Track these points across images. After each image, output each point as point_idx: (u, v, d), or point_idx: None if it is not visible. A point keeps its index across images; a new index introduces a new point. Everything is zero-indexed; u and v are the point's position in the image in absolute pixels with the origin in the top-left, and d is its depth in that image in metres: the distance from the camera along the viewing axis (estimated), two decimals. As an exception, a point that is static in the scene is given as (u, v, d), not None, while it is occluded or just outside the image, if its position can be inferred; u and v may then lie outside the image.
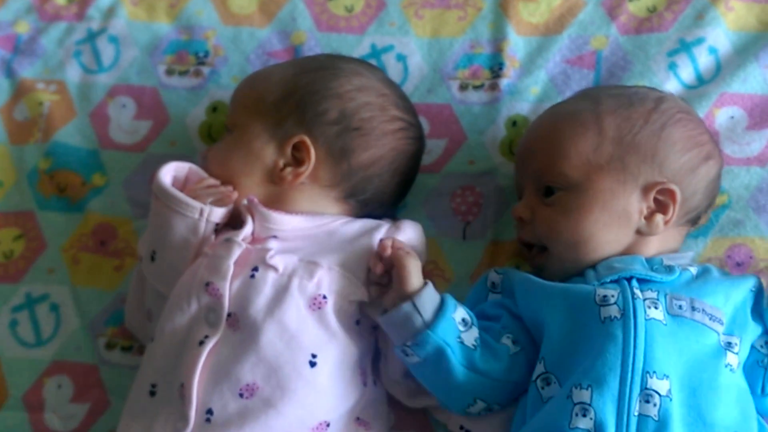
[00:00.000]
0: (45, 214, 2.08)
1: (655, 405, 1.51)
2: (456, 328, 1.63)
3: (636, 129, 1.71)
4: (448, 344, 1.62)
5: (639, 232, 1.71)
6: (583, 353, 1.57)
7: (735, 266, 1.84)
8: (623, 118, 1.72)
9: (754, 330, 1.66)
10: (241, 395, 1.62)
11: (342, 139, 1.79)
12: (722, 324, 1.61)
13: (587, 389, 1.52)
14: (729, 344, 1.61)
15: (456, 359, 1.62)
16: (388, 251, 1.67)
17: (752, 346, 1.66)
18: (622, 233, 1.70)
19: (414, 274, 1.65)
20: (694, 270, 1.70)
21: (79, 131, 2.14)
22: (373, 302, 1.73)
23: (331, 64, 1.86)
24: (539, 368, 1.63)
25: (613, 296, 1.60)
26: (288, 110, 1.80)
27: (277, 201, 1.78)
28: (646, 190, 1.70)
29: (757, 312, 1.69)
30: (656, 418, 1.50)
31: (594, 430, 1.50)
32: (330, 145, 1.79)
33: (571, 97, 1.90)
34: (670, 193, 1.70)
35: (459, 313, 1.65)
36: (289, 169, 1.78)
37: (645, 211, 1.70)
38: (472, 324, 1.66)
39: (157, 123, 2.14)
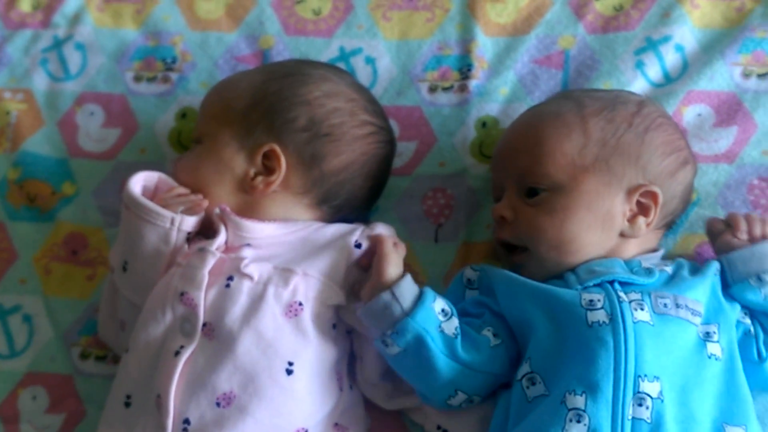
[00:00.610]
0: (15, 225, 2.07)
1: (647, 408, 1.52)
2: (436, 317, 1.64)
3: (620, 132, 1.72)
4: (428, 332, 1.62)
5: (622, 235, 1.72)
6: (573, 358, 1.57)
7: (704, 263, 1.85)
8: (607, 121, 1.73)
9: (731, 311, 1.68)
10: (218, 404, 1.62)
11: (312, 145, 1.79)
12: (700, 316, 1.63)
13: (581, 395, 1.53)
14: (707, 334, 1.62)
15: (437, 347, 1.63)
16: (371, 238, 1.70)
17: (737, 322, 1.69)
18: (605, 235, 1.71)
19: (393, 263, 1.67)
20: (669, 269, 1.71)
21: (48, 140, 2.13)
22: (349, 306, 1.74)
23: (298, 70, 1.85)
24: (525, 367, 1.63)
25: (599, 300, 1.61)
26: (257, 118, 1.79)
27: (249, 209, 1.78)
28: (629, 192, 1.71)
29: (728, 293, 1.71)
30: (649, 421, 1.51)
31: None
32: (300, 153, 1.79)
33: (551, 98, 1.90)
34: (653, 196, 1.71)
35: (438, 303, 1.66)
36: (260, 179, 1.77)
37: (628, 214, 1.71)
38: (452, 314, 1.66)
39: (126, 130, 2.13)
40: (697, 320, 1.62)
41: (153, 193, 1.79)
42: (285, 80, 1.82)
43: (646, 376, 1.53)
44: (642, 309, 1.59)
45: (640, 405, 1.51)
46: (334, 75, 1.87)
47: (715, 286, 1.70)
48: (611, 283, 1.65)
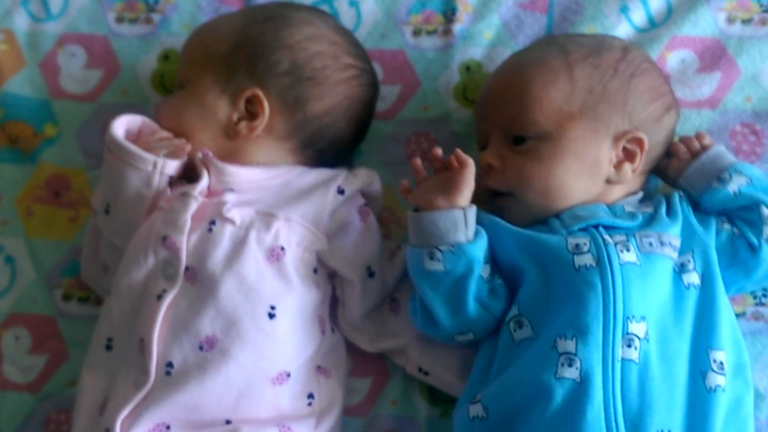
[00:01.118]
0: (-3, 166, 2.07)
1: (636, 348, 1.53)
2: (483, 256, 1.65)
3: (606, 78, 1.72)
4: (477, 265, 1.63)
5: (608, 181, 1.73)
6: (562, 303, 1.59)
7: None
8: (593, 67, 1.73)
9: (705, 235, 1.70)
10: (200, 348, 1.63)
11: (295, 89, 1.78)
12: (676, 250, 1.65)
13: (572, 339, 1.54)
14: (682, 265, 1.64)
15: (474, 284, 1.64)
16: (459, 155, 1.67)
17: (718, 231, 1.71)
18: (592, 182, 1.72)
19: (468, 190, 1.67)
20: (651, 209, 1.72)
21: (30, 81, 2.12)
22: (332, 250, 1.75)
23: (281, 14, 1.84)
24: (513, 310, 1.65)
25: (585, 244, 1.62)
26: (239, 62, 1.78)
27: (233, 154, 1.78)
28: (616, 139, 1.71)
29: (701, 212, 1.75)
30: (638, 361, 1.53)
31: (580, 378, 1.52)
32: (283, 97, 1.78)
33: (535, 43, 1.90)
34: (639, 142, 1.71)
35: (486, 246, 1.67)
36: (243, 123, 1.77)
37: (614, 160, 1.72)
38: (489, 260, 1.68)
39: (108, 72, 2.11)
40: (675, 255, 1.64)
41: (136, 137, 1.78)
42: (267, 24, 1.81)
43: (633, 317, 1.55)
44: (628, 250, 1.61)
45: (629, 346, 1.53)
46: (316, 18, 1.86)
47: (686, 215, 1.71)
48: (596, 227, 1.65)
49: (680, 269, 1.63)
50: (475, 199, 1.86)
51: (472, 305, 1.65)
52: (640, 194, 1.79)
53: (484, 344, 1.70)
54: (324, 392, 1.74)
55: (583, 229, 1.66)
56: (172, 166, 1.73)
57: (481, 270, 1.65)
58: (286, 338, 1.69)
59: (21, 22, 2.16)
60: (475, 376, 1.69)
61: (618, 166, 1.71)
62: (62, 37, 2.15)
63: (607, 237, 1.63)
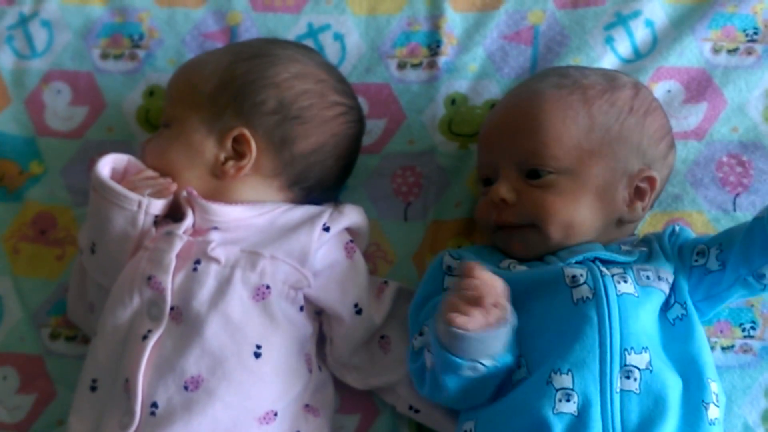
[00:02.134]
0: (-17, 205, 2.06)
1: (635, 380, 1.53)
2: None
3: (623, 116, 1.72)
4: (508, 364, 1.58)
5: (620, 220, 1.72)
6: (559, 337, 1.57)
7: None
8: (610, 104, 1.72)
9: (681, 269, 1.68)
10: (186, 388, 1.62)
11: (282, 128, 1.78)
12: (669, 285, 1.65)
13: (567, 374, 1.53)
14: (666, 303, 1.64)
15: (499, 377, 1.60)
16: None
17: (693, 268, 1.68)
18: (607, 218, 1.71)
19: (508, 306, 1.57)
20: (646, 249, 1.71)
21: (15, 119, 2.12)
22: (319, 288, 1.74)
23: (266, 51, 1.83)
24: None
25: (582, 275, 1.60)
26: (225, 101, 1.78)
27: (219, 193, 1.77)
28: (631, 177, 1.71)
29: (682, 254, 1.71)
30: (638, 392, 1.52)
31: (578, 412, 1.51)
32: (270, 136, 1.78)
33: (543, 75, 1.85)
34: (651, 181, 1.71)
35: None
36: (231, 163, 1.76)
37: (627, 199, 1.71)
38: None
39: (94, 109, 2.11)
40: (668, 290, 1.64)
41: (122, 176, 1.78)
42: (252, 62, 1.81)
43: (633, 348, 1.54)
44: (625, 282, 1.60)
45: (628, 378, 1.53)
46: (302, 55, 1.86)
47: (673, 252, 1.71)
48: (593, 260, 1.65)
49: (665, 306, 1.63)
50: (462, 232, 1.87)
51: (489, 392, 1.62)
52: (636, 236, 1.78)
53: None
54: (312, 431, 1.74)
55: (580, 262, 1.65)
56: (158, 206, 1.73)
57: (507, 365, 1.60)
58: (272, 377, 1.68)
59: (6, 60, 2.16)
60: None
61: (631, 204, 1.71)
62: (47, 74, 2.14)
63: (604, 269, 1.62)
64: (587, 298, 1.58)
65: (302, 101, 1.79)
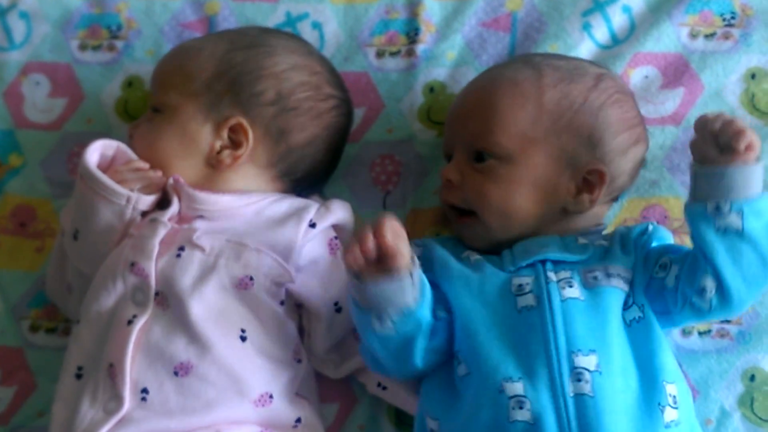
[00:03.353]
0: (-38, 197, 2.06)
1: (587, 382, 1.51)
2: (429, 309, 1.62)
3: (575, 106, 1.71)
4: (423, 324, 1.59)
5: (565, 210, 1.71)
6: (505, 345, 1.57)
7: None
8: (563, 94, 1.71)
9: (643, 273, 1.64)
10: (176, 373, 1.63)
11: (279, 120, 1.78)
12: (627, 282, 1.63)
13: (519, 381, 1.53)
14: (625, 303, 1.62)
15: (421, 341, 1.61)
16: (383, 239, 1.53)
17: (651, 278, 1.64)
18: (549, 208, 1.70)
19: (407, 250, 1.54)
20: (607, 243, 1.69)
21: (-7, 111, 2.12)
22: (300, 284, 1.74)
23: (262, 41, 1.83)
24: (455, 345, 1.64)
25: (527, 284, 1.61)
26: (222, 90, 1.78)
27: (211, 181, 1.77)
28: (577, 169, 1.70)
29: (647, 258, 1.67)
30: (592, 394, 1.51)
31: (533, 419, 1.51)
32: (267, 127, 1.78)
33: (511, 61, 1.88)
34: (599, 174, 1.70)
35: (431, 295, 1.62)
36: (226, 152, 1.76)
37: (573, 190, 1.70)
38: (431, 307, 1.63)
39: (72, 100, 2.10)
40: (627, 287, 1.62)
41: (110, 163, 1.77)
42: (250, 51, 1.81)
43: (580, 350, 1.53)
44: (571, 286, 1.59)
45: (579, 380, 1.51)
46: (297, 46, 1.86)
47: (637, 252, 1.68)
48: (544, 262, 1.64)
49: (623, 306, 1.61)
50: (440, 220, 1.87)
51: (419, 357, 1.62)
52: (601, 228, 1.77)
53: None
54: (309, 418, 1.74)
55: (531, 265, 1.64)
56: (146, 202, 1.73)
57: (427, 325, 1.61)
58: (261, 359, 1.68)
59: (-16, 52, 2.16)
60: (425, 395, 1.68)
61: (576, 196, 1.70)
62: (26, 65, 2.14)
63: (551, 274, 1.61)
64: (531, 306, 1.58)
65: (299, 93, 1.80)
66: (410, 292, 1.55)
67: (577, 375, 1.52)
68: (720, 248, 1.53)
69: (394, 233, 1.51)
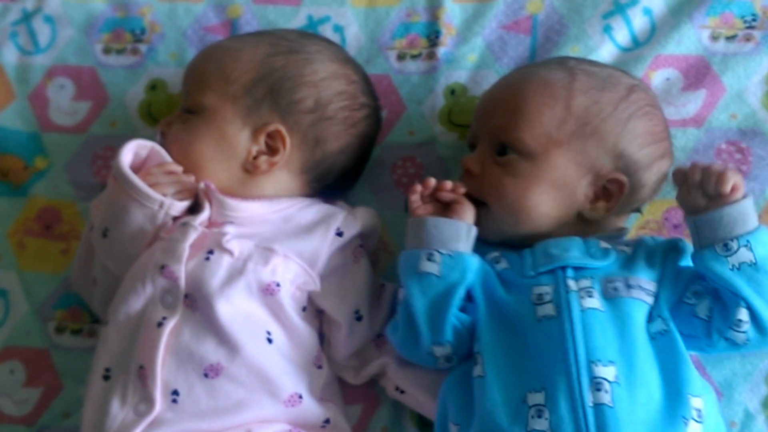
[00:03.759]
0: (-12, 200, 2.08)
1: (606, 392, 1.52)
2: (473, 274, 1.66)
3: (603, 114, 1.71)
4: (470, 276, 1.65)
5: (580, 216, 1.72)
6: (525, 354, 1.59)
7: (672, 228, 1.87)
8: (593, 101, 1.72)
9: (672, 291, 1.66)
10: (206, 375, 1.64)
11: (316, 128, 1.79)
12: (653, 296, 1.63)
13: (540, 391, 1.54)
14: (650, 315, 1.62)
15: (460, 295, 1.65)
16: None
17: (679, 302, 1.65)
18: (564, 212, 1.71)
19: (472, 210, 1.72)
20: (629, 250, 1.70)
21: (19, 114, 2.13)
22: (323, 291, 1.76)
23: (302, 47, 1.83)
24: (474, 346, 1.66)
25: (547, 293, 1.61)
26: (261, 95, 1.78)
27: (244, 186, 1.78)
28: (598, 177, 1.70)
29: (678, 278, 1.68)
30: (611, 405, 1.51)
31: (551, 429, 1.51)
32: (304, 134, 1.79)
33: (547, 61, 1.88)
34: (619, 185, 1.70)
35: (478, 268, 1.68)
36: (263, 158, 1.77)
37: (591, 196, 1.71)
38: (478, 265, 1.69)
39: (97, 103, 2.12)
40: (651, 300, 1.62)
41: (143, 163, 1.77)
42: (290, 57, 1.81)
43: (599, 360, 1.53)
44: (591, 296, 1.60)
45: (599, 390, 1.52)
46: (334, 53, 1.87)
47: (667, 267, 1.68)
48: (564, 269, 1.64)
49: (648, 318, 1.62)
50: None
51: (453, 315, 1.65)
52: (625, 231, 1.78)
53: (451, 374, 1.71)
54: (337, 419, 1.76)
55: (551, 271, 1.65)
56: (179, 208, 1.73)
57: (467, 284, 1.65)
58: (287, 361, 1.70)
59: (10, 56, 2.18)
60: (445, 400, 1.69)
61: (593, 202, 1.71)
62: (51, 69, 2.16)
63: (571, 282, 1.62)
64: (551, 316, 1.59)
65: (337, 102, 1.81)
66: (464, 241, 1.67)
67: (596, 385, 1.52)
68: (742, 282, 1.57)
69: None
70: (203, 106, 1.79)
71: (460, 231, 1.67)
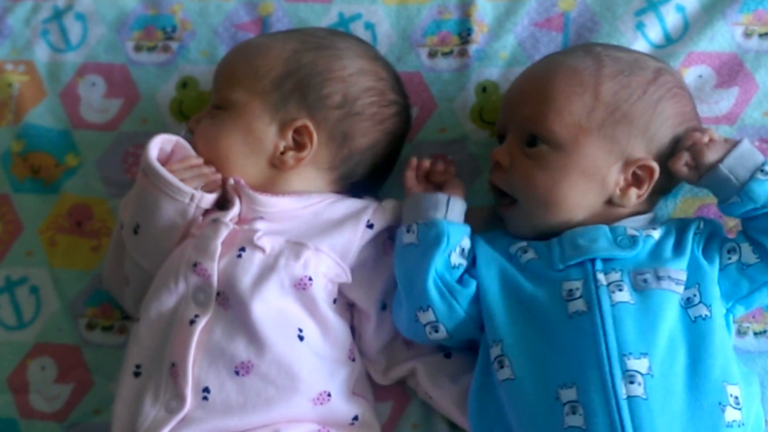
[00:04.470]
0: (20, 197, 2.08)
1: (640, 384, 1.52)
2: (456, 240, 1.68)
3: (633, 99, 1.71)
4: (447, 241, 1.67)
5: (611, 202, 1.71)
6: (557, 351, 1.58)
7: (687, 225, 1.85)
8: (622, 86, 1.71)
9: (710, 268, 1.66)
10: (237, 373, 1.64)
11: (344, 124, 1.79)
12: (683, 285, 1.63)
13: (572, 387, 1.54)
14: (688, 300, 1.62)
15: (437, 257, 1.66)
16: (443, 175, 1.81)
17: (723, 266, 1.67)
18: (595, 200, 1.71)
19: (456, 183, 1.80)
20: (657, 234, 1.70)
21: (50, 112, 2.14)
22: (353, 282, 1.76)
23: (331, 44, 1.84)
24: (496, 350, 1.64)
25: (578, 289, 1.61)
26: (289, 91, 1.78)
27: (272, 181, 1.78)
28: (627, 163, 1.70)
29: (706, 251, 1.69)
30: (645, 396, 1.51)
31: (586, 425, 1.51)
32: (331, 130, 1.79)
33: (572, 49, 1.88)
34: (649, 170, 1.70)
35: (466, 241, 1.71)
36: (290, 154, 1.77)
37: (622, 183, 1.71)
38: (463, 255, 1.71)
39: (128, 101, 2.13)
40: (680, 289, 1.62)
41: (168, 157, 1.78)
42: (319, 53, 1.81)
43: (631, 353, 1.54)
44: (621, 290, 1.60)
45: (632, 383, 1.52)
46: (364, 50, 1.88)
47: (693, 251, 1.68)
48: (593, 261, 1.64)
49: (686, 303, 1.61)
50: (491, 218, 1.88)
51: (431, 277, 1.66)
52: (650, 215, 1.77)
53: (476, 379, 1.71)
54: (366, 415, 1.75)
55: (580, 264, 1.65)
56: (209, 200, 1.74)
57: (450, 250, 1.67)
58: (318, 359, 1.70)
59: (41, 53, 2.19)
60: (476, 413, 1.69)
61: (624, 190, 1.70)
62: (82, 66, 2.17)
63: (600, 276, 1.62)
64: (582, 311, 1.59)
65: (365, 98, 1.81)
66: (441, 210, 1.71)
67: (630, 377, 1.52)
68: None
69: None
70: (232, 102, 1.80)
71: (439, 202, 1.71)
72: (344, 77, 1.80)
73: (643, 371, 1.53)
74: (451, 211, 1.71)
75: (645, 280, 1.61)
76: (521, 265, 1.70)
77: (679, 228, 1.72)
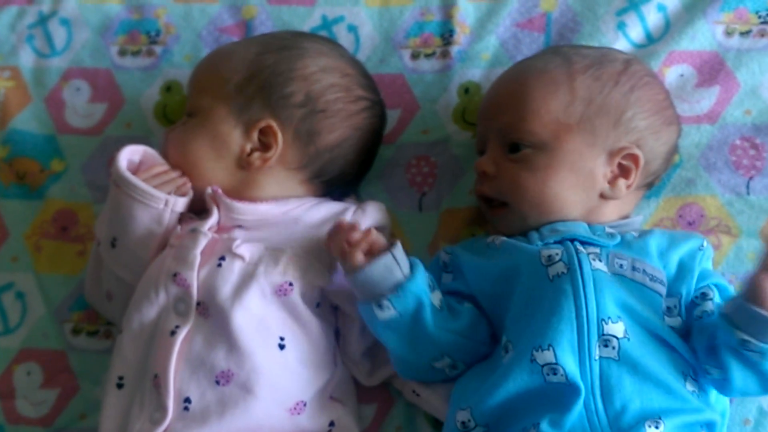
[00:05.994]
0: (5, 203, 2.08)
1: (614, 348, 1.54)
2: (427, 285, 1.65)
3: (606, 90, 1.72)
4: (426, 295, 1.63)
5: (602, 196, 1.72)
6: (538, 314, 1.59)
7: (687, 225, 1.86)
8: (594, 78, 1.73)
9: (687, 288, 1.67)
10: (217, 382, 1.64)
11: (308, 122, 1.79)
12: (663, 285, 1.64)
13: (548, 349, 1.54)
14: (668, 309, 1.64)
15: (429, 315, 1.64)
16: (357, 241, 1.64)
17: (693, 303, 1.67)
18: (586, 195, 1.72)
19: (378, 236, 1.66)
20: (637, 234, 1.71)
21: (36, 117, 2.14)
22: (335, 285, 1.75)
23: (294, 44, 1.84)
24: (504, 338, 1.64)
25: (557, 254, 1.62)
26: (252, 92, 1.79)
27: (244, 186, 1.79)
28: (612, 154, 1.71)
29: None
30: (617, 358, 1.54)
31: (566, 383, 1.52)
32: (296, 129, 1.79)
33: (539, 53, 1.89)
34: (634, 158, 1.71)
35: (426, 274, 1.67)
36: (256, 155, 1.77)
37: (609, 175, 1.71)
38: (435, 287, 1.68)
39: (112, 105, 2.13)
40: (661, 289, 1.63)
41: (137, 168, 1.79)
42: (281, 53, 1.82)
43: (609, 318, 1.55)
44: (600, 261, 1.61)
45: (606, 346, 1.54)
46: (328, 48, 1.87)
47: (694, 256, 1.69)
48: (572, 240, 1.65)
49: (666, 312, 1.64)
50: (475, 219, 1.87)
51: (435, 333, 1.65)
52: (633, 219, 1.78)
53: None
54: (343, 420, 1.75)
55: (558, 242, 1.66)
56: (182, 203, 1.75)
57: (430, 299, 1.64)
58: (299, 368, 1.70)
59: (26, 59, 2.19)
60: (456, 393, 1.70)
61: (613, 181, 1.71)
62: (67, 71, 2.17)
63: (580, 247, 1.63)
64: (562, 273, 1.59)
65: (329, 95, 1.80)
66: (397, 269, 1.62)
67: (605, 341, 1.54)
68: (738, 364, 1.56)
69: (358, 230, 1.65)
70: (200, 109, 1.81)
71: (389, 265, 1.63)
72: (306, 75, 1.80)
73: (620, 335, 1.55)
74: (402, 262, 1.64)
75: (621, 266, 1.63)
76: (497, 247, 1.71)
77: (669, 238, 1.72)
